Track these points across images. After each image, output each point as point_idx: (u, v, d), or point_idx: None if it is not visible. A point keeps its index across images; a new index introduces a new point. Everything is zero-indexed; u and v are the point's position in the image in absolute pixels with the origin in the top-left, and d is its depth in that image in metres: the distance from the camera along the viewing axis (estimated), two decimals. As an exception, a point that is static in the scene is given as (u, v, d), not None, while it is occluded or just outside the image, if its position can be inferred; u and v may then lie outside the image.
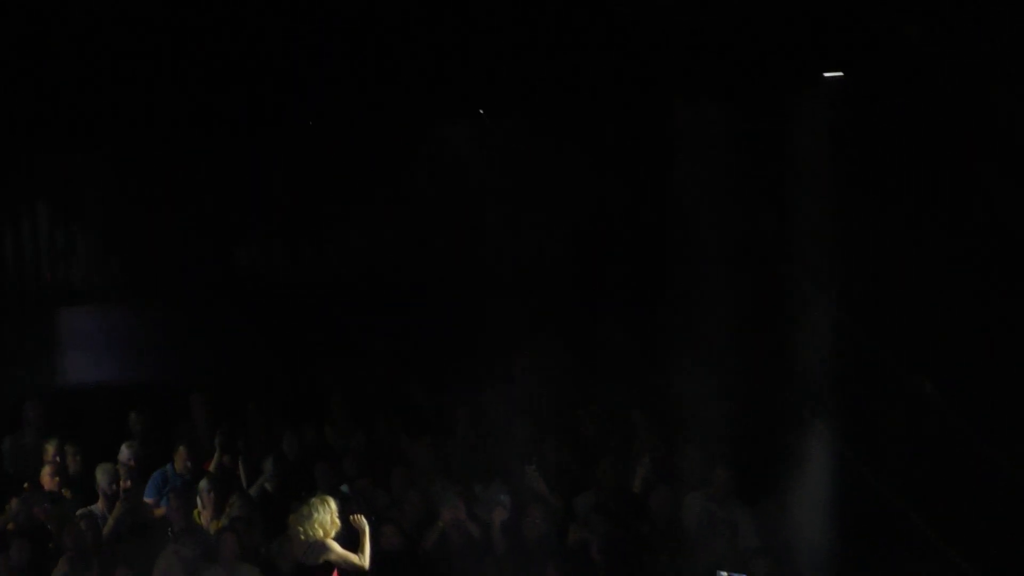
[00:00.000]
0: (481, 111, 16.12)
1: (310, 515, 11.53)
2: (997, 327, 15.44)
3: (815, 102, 15.84)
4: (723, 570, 13.03)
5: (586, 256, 17.09)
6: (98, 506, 13.84)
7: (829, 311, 15.69)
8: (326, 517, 11.52)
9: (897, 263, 15.65)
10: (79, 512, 13.76)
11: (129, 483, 14.01)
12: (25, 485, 13.90)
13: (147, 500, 14.07)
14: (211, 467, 14.36)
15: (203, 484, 13.84)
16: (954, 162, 15.74)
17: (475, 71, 15.57)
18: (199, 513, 13.71)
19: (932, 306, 15.66)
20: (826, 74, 15.44)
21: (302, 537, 11.56)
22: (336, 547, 11.53)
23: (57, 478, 13.96)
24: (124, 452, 14.23)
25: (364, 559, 11.51)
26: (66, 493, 14.22)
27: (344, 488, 14.07)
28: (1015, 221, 15.60)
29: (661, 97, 16.38)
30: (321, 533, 11.49)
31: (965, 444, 15.13)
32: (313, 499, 11.82)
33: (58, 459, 14.15)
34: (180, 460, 14.30)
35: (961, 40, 15.59)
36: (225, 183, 16.84)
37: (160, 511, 13.86)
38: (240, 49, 15.03)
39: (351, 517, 11.89)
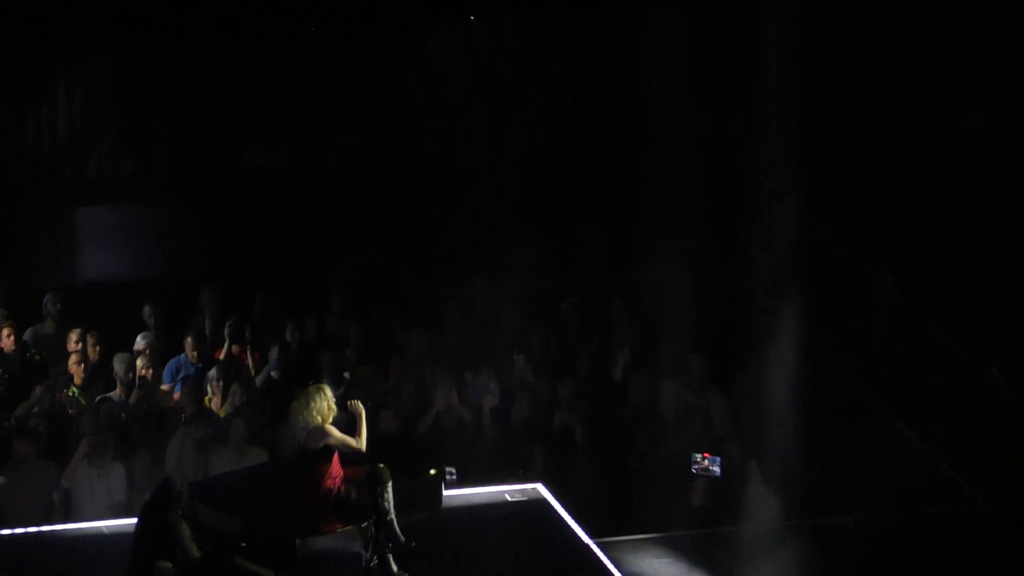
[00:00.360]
0: (472, 17, 15.86)
1: (308, 403, 11.27)
2: (949, 227, 15.40)
3: (782, 10, 15.56)
4: (697, 452, 13.22)
5: (566, 154, 16.87)
6: (116, 392, 13.88)
7: (791, 207, 15.63)
8: (323, 404, 11.24)
9: (857, 163, 15.79)
10: (98, 398, 13.82)
11: (145, 371, 14.11)
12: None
13: (163, 387, 14.13)
14: (221, 356, 14.40)
15: (213, 372, 13.95)
16: (909, 75, 15.72)
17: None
18: (209, 399, 13.77)
19: (888, 206, 15.75)
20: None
21: (302, 424, 11.31)
22: (335, 432, 11.25)
23: (82, 365, 13.98)
24: (139, 342, 14.27)
25: (361, 442, 11.25)
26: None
27: (346, 375, 14.05)
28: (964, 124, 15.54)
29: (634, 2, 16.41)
30: (319, 420, 11.23)
31: (919, 331, 15.31)
32: (310, 388, 11.55)
33: (80, 347, 14.25)
34: (189, 350, 14.38)
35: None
36: (233, 87, 16.66)
37: (175, 396, 13.93)
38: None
39: (348, 403, 11.67)
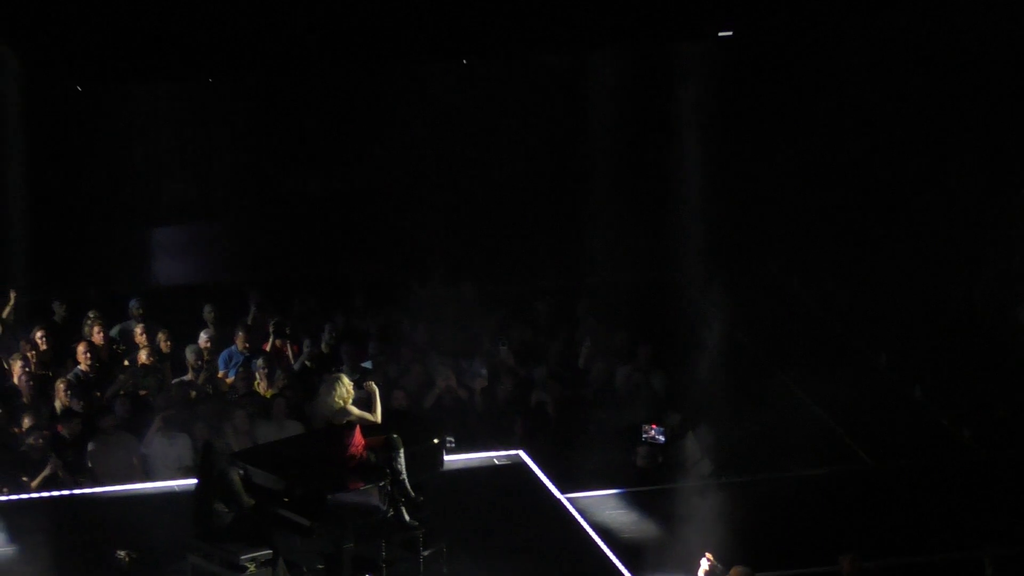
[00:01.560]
0: (464, 61, 15.43)
1: (329, 391, 11.17)
2: (846, 236, 15.59)
3: (709, 56, 15.27)
4: (646, 423, 13.06)
5: (538, 179, 16.70)
6: (187, 376, 13.88)
7: (715, 219, 15.20)
8: (342, 390, 11.13)
9: (766, 183, 15.83)
10: (173, 380, 13.77)
11: (206, 359, 14.04)
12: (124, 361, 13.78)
13: (220, 373, 14.00)
14: (267, 348, 14.30)
15: (259, 361, 13.82)
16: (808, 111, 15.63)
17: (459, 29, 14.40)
18: (256, 383, 13.69)
19: (793, 219, 15.60)
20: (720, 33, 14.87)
21: (327, 405, 11.25)
22: (354, 410, 11.14)
23: (154, 357, 13.92)
24: (202, 336, 14.20)
25: (376, 415, 11.14)
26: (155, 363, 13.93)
27: (367, 364, 13.98)
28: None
29: (577, 50, 15.71)
30: (340, 403, 11.12)
31: (820, 323, 15.40)
32: (331, 378, 11.51)
33: (156, 341, 14.20)
34: (241, 342, 14.19)
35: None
36: (274, 126, 16.35)
37: (229, 380, 13.83)
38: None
39: (365, 384, 11.50)
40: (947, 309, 15.20)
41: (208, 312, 14.39)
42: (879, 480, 12.96)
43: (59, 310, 14.37)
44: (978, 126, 15.96)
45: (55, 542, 11.55)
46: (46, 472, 12.25)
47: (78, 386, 13.09)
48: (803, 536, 11.65)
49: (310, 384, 13.41)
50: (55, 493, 12.30)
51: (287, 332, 14.43)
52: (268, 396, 13.34)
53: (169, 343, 14.01)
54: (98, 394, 13.23)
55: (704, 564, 11.41)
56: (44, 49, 13.51)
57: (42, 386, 13.17)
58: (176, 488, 12.17)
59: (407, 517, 10.75)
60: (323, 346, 14.27)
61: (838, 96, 15.86)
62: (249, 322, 14.44)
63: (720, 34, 14.56)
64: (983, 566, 11.16)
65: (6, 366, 13.47)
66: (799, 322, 15.31)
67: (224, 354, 14.12)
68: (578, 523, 12.04)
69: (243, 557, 10.73)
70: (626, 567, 11.61)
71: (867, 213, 15.93)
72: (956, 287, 15.13)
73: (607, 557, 11.82)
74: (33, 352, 13.48)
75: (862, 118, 15.93)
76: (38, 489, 12.27)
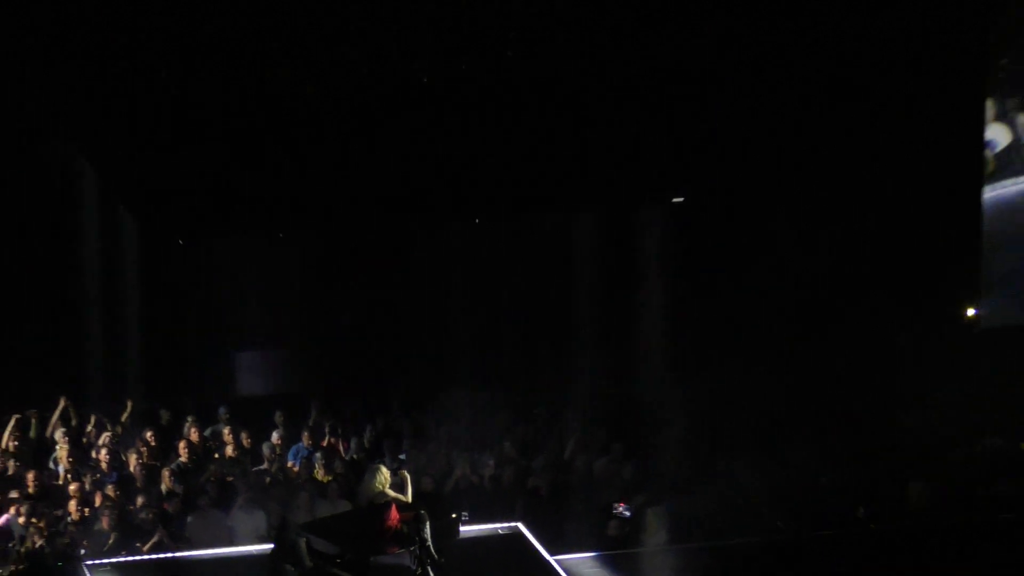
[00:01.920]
0: (476, 220, 15.38)
1: (372, 477, 11.60)
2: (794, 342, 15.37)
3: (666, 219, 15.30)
4: (616, 502, 13.21)
5: (517, 324, 16.57)
6: (263, 466, 13.82)
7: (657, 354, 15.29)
8: (381, 478, 11.55)
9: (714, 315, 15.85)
10: (253, 469, 13.69)
11: (277, 453, 13.99)
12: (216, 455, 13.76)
13: (289, 463, 13.96)
14: (324, 444, 14.18)
15: (319, 455, 13.75)
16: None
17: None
18: (316, 472, 13.61)
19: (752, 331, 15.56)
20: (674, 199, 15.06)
21: (369, 490, 11.60)
22: (391, 492, 11.45)
23: (238, 451, 13.87)
24: (274, 435, 14.18)
25: (408, 496, 11.50)
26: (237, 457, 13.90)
27: (402, 456, 14.03)
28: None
29: (543, 215, 15.76)
30: (379, 488, 11.50)
31: (756, 416, 14.82)
32: (373, 467, 11.85)
33: (240, 439, 14.03)
34: (305, 439, 14.12)
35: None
36: (327, 267, 16.06)
37: (295, 469, 13.82)
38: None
39: (399, 472, 11.83)
40: (854, 413, 14.93)
41: (279, 416, 14.31)
42: (797, 546, 13.12)
43: (164, 415, 14.24)
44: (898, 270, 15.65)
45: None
46: (154, 539, 12.42)
47: (179, 473, 13.12)
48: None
49: (358, 472, 13.25)
50: (162, 556, 12.53)
51: (339, 431, 14.29)
52: (325, 481, 13.26)
53: (250, 440, 13.90)
54: (195, 480, 13.28)
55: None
56: (155, 211, 13.86)
57: (151, 473, 13.13)
58: (255, 552, 12.38)
59: (432, 573, 11.11)
60: (366, 442, 14.20)
61: (769, 255, 15.65)
62: (311, 424, 14.29)
63: (674, 200, 14.98)
64: None
65: (124, 457, 13.38)
66: (740, 420, 14.99)
67: (293, 449, 14.03)
68: (564, 577, 12.02)
69: (305, 608, 10.80)
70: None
71: (801, 331, 15.69)
72: (863, 395, 14.94)
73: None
74: (144, 447, 13.41)
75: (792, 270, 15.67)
76: (148, 553, 12.43)
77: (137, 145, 12.94)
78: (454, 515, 11.66)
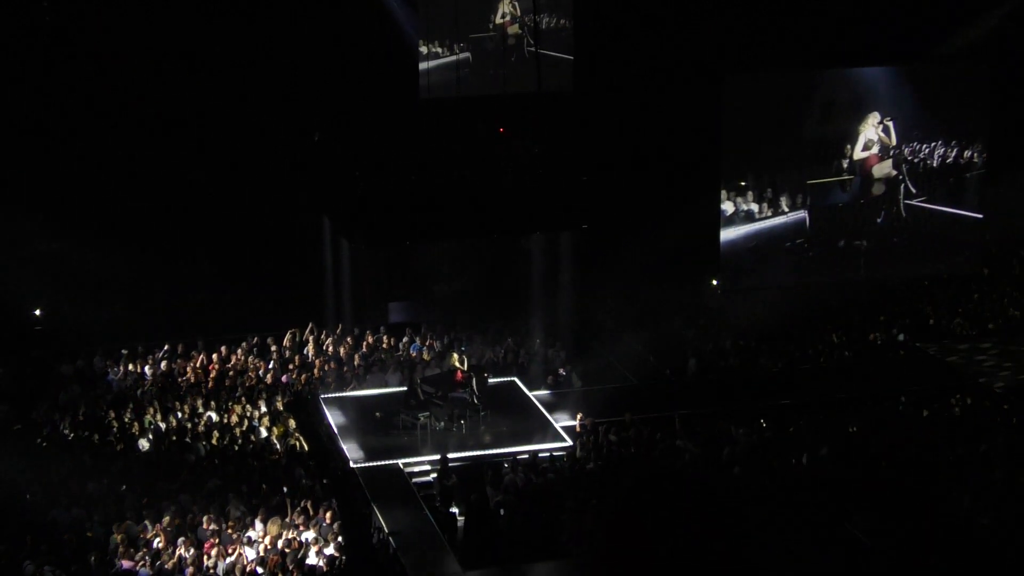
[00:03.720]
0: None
1: (448, 357, 19.38)
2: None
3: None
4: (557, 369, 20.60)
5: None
6: (400, 352, 22.56)
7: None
8: (454, 358, 19.48)
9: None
10: (396, 354, 22.28)
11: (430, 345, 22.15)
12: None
13: (411, 352, 22.66)
14: (427, 343, 22.86)
15: (424, 347, 22.60)
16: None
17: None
18: (425, 355, 22.15)
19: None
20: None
21: (447, 363, 19.50)
22: (457, 364, 19.04)
23: (389, 345, 22.44)
24: (404, 339, 23.18)
25: (465, 366, 18.37)
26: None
27: (463, 348, 21.90)
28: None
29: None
30: (453, 362, 19.48)
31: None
32: (449, 353, 19.92)
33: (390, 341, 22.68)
34: (421, 341, 22.96)
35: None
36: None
37: (414, 354, 22.56)
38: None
39: (461, 354, 19.37)
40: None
41: (408, 331, 23.73)
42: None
43: (356, 330, 23.02)
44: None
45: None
46: (352, 385, 20.73)
47: (364, 356, 22.37)
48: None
49: (442, 355, 21.93)
50: (358, 392, 20.18)
51: (433, 336, 23.27)
52: (428, 360, 22.12)
53: (393, 340, 23.05)
54: (371, 358, 22.32)
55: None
56: None
57: (352, 356, 22.30)
58: (395, 391, 20.25)
59: (476, 402, 19.45)
60: (445, 341, 22.87)
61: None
62: (422, 333, 23.30)
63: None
64: None
65: (338, 348, 22.55)
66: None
67: (414, 344, 23.29)
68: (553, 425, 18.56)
69: (421, 415, 19.81)
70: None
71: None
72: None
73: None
74: (349, 343, 22.61)
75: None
76: (351, 391, 20.38)
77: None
78: (485, 375, 20.35)
